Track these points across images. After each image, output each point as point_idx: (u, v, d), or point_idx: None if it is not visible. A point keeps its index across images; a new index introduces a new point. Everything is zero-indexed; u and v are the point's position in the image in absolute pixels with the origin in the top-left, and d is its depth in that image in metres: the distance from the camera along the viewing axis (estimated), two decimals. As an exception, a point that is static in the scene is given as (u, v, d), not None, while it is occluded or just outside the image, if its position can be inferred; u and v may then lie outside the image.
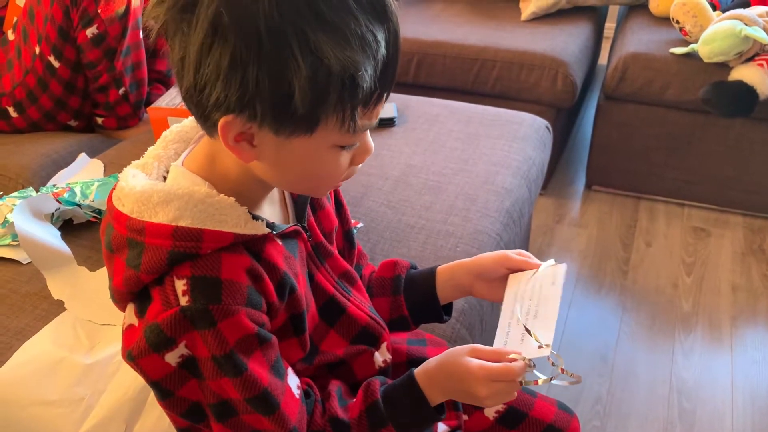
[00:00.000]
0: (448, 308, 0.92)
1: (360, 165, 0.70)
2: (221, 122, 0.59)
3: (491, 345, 0.75)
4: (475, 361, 0.71)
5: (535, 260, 0.83)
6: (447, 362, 0.73)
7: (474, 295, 0.87)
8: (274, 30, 0.55)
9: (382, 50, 0.59)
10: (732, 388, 1.64)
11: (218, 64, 0.56)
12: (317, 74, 0.56)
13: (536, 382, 0.71)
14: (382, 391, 0.74)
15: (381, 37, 0.58)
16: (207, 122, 0.62)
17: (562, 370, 0.70)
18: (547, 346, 0.72)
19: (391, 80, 0.62)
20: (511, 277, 0.83)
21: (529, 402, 0.93)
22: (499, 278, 0.84)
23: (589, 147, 2.32)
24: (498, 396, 0.72)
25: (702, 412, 1.58)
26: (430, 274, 0.89)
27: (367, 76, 0.58)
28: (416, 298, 0.89)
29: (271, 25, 0.54)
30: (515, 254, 0.84)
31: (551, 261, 0.82)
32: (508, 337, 0.75)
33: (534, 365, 0.71)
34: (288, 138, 0.61)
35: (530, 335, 0.73)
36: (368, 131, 0.67)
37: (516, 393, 0.73)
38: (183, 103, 1.47)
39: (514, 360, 0.71)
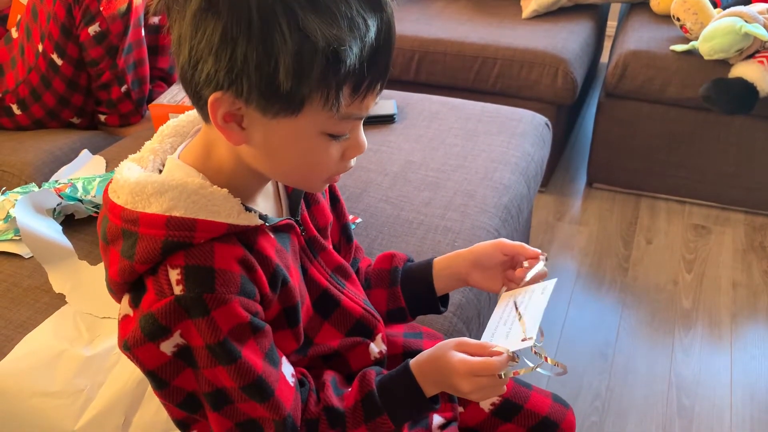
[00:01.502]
0: (445, 300, 0.92)
1: (353, 161, 0.70)
2: (211, 99, 0.60)
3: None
4: (458, 356, 0.71)
5: (530, 248, 0.84)
6: (435, 356, 0.73)
7: (470, 285, 0.88)
8: (264, 7, 0.56)
9: (372, 35, 0.60)
10: (731, 384, 1.64)
11: (210, 38, 0.58)
12: (302, 50, 0.57)
13: (516, 373, 0.71)
14: (377, 381, 0.75)
15: (372, 23, 0.60)
16: (199, 101, 0.63)
17: (546, 358, 0.71)
18: (530, 338, 0.72)
19: (382, 70, 0.63)
20: (505, 290, 0.85)
21: (524, 394, 0.93)
22: (494, 266, 0.86)
23: (590, 144, 2.33)
24: (483, 391, 0.71)
25: (701, 408, 1.58)
26: (427, 266, 0.90)
27: (352, 53, 0.59)
28: (413, 290, 0.90)
29: (262, 2, 0.56)
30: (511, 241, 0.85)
31: (542, 263, 0.83)
32: (494, 336, 0.77)
33: (518, 359, 0.71)
34: (275, 118, 0.62)
35: (519, 322, 0.74)
36: (361, 128, 0.68)
37: (505, 387, 0.72)
38: (184, 101, 1.49)
39: (497, 354, 0.70)
